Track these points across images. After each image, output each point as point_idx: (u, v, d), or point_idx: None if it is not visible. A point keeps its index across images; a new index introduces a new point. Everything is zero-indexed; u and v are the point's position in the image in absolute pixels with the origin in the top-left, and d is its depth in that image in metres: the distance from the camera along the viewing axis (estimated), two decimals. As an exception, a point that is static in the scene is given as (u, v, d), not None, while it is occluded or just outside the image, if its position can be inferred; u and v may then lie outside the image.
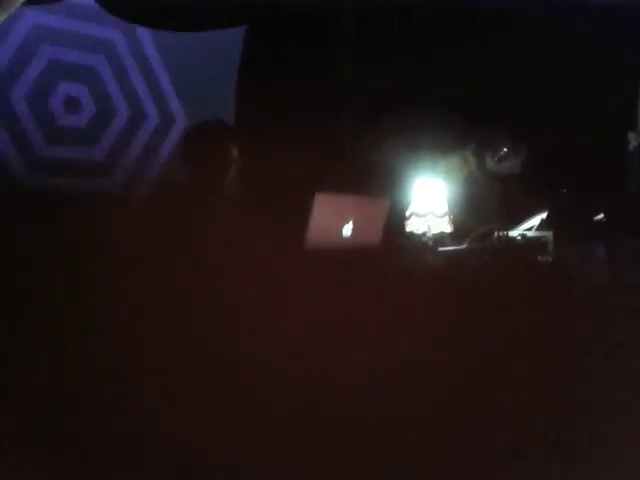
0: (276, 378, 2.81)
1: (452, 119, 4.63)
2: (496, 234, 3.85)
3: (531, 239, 3.91)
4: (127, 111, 4.92)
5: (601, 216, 4.16)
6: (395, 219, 3.81)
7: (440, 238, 3.88)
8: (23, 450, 2.52)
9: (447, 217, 3.92)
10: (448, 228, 3.93)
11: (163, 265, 3.03)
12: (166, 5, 4.71)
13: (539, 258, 3.78)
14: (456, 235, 3.95)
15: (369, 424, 2.76)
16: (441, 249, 3.83)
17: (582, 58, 5.05)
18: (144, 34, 5.00)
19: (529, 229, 4.06)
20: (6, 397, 2.59)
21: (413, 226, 3.89)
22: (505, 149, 4.47)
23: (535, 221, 4.10)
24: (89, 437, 2.58)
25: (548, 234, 3.88)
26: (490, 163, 4.52)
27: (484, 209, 4.30)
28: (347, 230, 3.46)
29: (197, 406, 2.68)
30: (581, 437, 2.85)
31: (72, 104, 4.70)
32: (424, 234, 3.88)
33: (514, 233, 3.95)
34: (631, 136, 4.71)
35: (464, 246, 3.88)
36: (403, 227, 3.92)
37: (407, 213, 3.91)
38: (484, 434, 2.81)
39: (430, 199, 3.92)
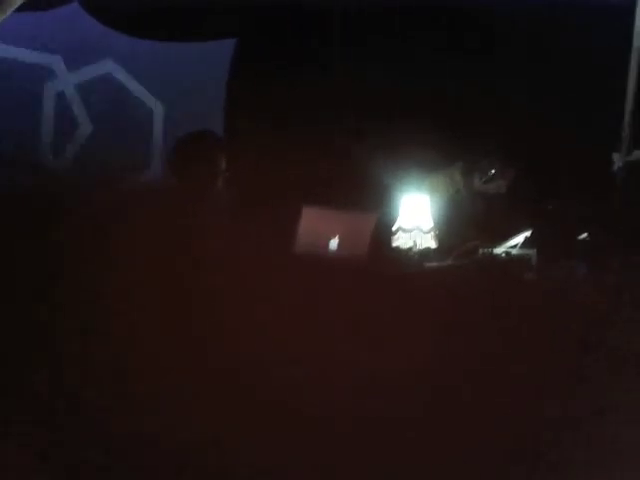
0: (259, 390, 2.81)
1: (441, 136, 4.67)
2: (481, 251, 3.88)
3: (515, 256, 3.94)
4: (110, 119, 4.91)
5: (585, 234, 4.20)
6: (381, 234, 3.82)
7: (426, 253, 3.90)
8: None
9: (433, 233, 3.94)
10: (434, 244, 3.95)
11: (151, 273, 3.03)
12: (161, 13, 4.72)
13: (523, 275, 3.80)
14: (441, 251, 3.97)
15: (355, 434, 2.77)
16: (426, 264, 3.84)
17: (568, 77, 5.10)
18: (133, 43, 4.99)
19: (513, 246, 4.08)
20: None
21: (399, 241, 3.91)
22: (493, 171, 4.51)
23: (519, 239, 4.13)
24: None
25: (532, 252, 3.91)
26: (477, 182, 4.55)
27: (469, 226, 4.33)
28: (334, 244, 3.47)
29: (193, 408, 2.68)
30: (560, 455, 2.87)
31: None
32: (410, 249, 3.90)
33: (498, 250, 3.98)
34: (615, 155, 4.74)
35: (449, 262, 3.90)
36: (389, 242, 3.93)
37: (394, 228, 3.93)
38: (466, 448, 2.83)
39: (417, 215, 3.94)
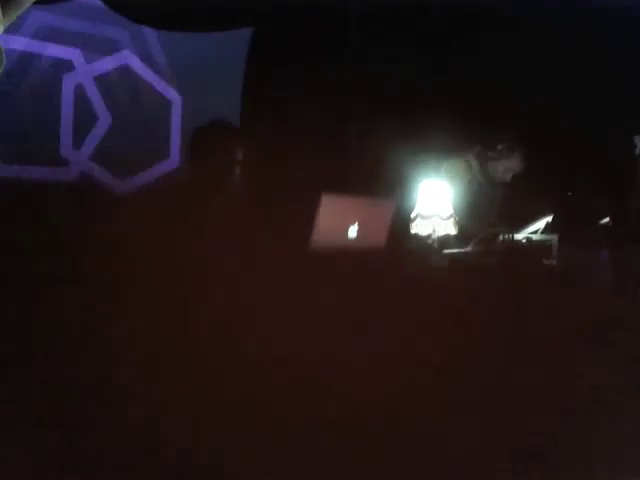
0: (281, 378, 2.81)
1: (456, 121, 4.63)
2: (501, 237, 3.86)
3: (536, 242, 3.91)
4: (128, 110, 4.93)
5: (606, 220, 4.17)
6: (400, 221, 3.80)
7: (445, 240, 3.87)
8: (23, 449, 2.53)
9: (452, 219, 3.91)
10: (453, 230, 3.93)
11: (166, 264, 3.04)
12: (173, 6, 4.72)
13: (544, 261, 3.78)
14: (461, 238, 3.94)
15: (378, 424, 2.77)
16: (446, 251, 3.82)
17: (586, 60, 5.06)
18: (150, 34, 5.01)
19: (534, 232, 4.06)
20: (6, 397, 2.60)
21: (418, 228, 3.89)
22: (502, 144, 4.45)
23: (540, 224, 4.11)
24: (89, 437, 2.59)
25: (553, 237, 3.88)
26: (491, 165, 4.50)
27: (489, 212, 4.31)
28: (352, 232, 3.46)
29: (200, 405, 2.68)
30: (579, 438, 2.86)
31: (75, 103, 4.72)
32: (429, 236, 3.87)
33: (519, 236, 3.95)
34: (636, 139, 4.69)
35: (469, 249, 3.88)
36: (408, 229, 3.91)
37: (412, 215, 3.91)
38: (486, 433, 2.82)
39: (435, 201, 3.91)
